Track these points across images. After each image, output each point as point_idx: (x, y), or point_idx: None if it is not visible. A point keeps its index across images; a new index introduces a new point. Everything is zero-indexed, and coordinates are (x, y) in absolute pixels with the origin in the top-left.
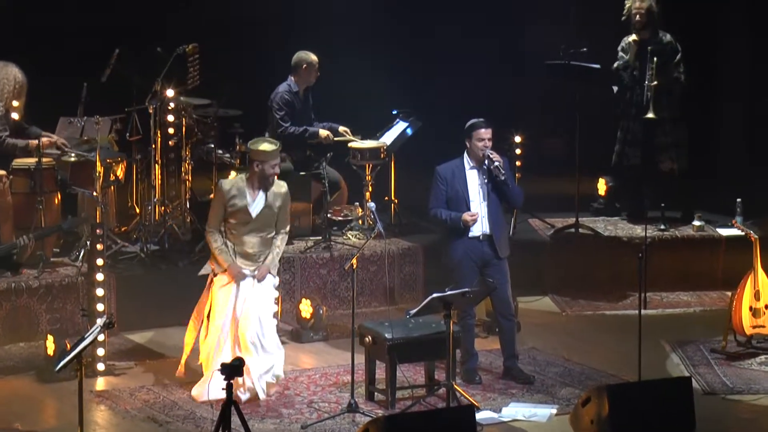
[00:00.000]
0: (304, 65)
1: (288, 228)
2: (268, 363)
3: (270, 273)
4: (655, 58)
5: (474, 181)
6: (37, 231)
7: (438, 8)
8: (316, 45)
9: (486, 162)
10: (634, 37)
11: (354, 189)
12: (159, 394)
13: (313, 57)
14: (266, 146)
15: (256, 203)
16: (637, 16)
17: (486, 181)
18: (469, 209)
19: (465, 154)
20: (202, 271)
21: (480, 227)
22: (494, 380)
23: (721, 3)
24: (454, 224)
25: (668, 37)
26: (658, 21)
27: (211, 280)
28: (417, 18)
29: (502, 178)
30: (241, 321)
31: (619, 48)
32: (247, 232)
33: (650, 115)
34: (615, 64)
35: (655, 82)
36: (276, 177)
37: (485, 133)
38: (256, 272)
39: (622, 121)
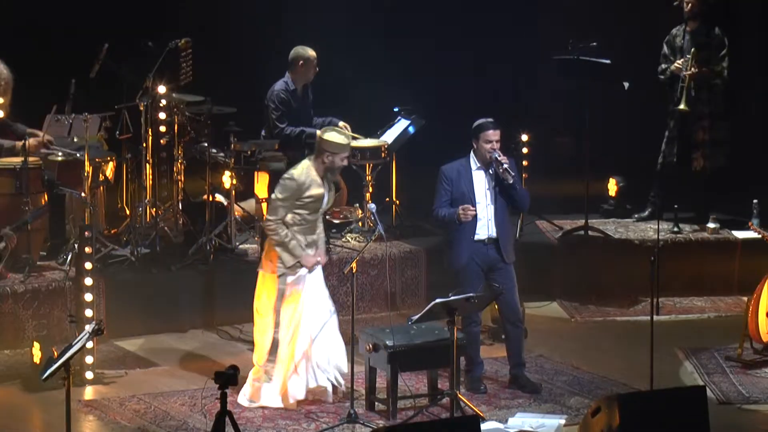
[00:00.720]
0: (301, 61)
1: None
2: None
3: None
4: (693, 49)
5: (481, 182)
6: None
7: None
8: (314, 38)
9: (494, 165)
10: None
11: (354, 190)
12: (150, 404)
13: (311, 52)
14: (340, 138)
15: (331, 188)
16: (689, 4)
17: (493, 183)
18: (475, 211)
19: (471, 154)
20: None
21: (486, 230)
22: (500, 389)
23: None
24: (451, 220)
25: (716, 30)
26: (705, 12)
27: (264, 278)
28: (420, 11)
29: (510, 181)
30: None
31: (666, 39)
32: (317, 220)
33: (682, 106)
34: (660, 68)
35: (691, 71)
36: None
37: (493, 134)
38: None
39: (668, 121)
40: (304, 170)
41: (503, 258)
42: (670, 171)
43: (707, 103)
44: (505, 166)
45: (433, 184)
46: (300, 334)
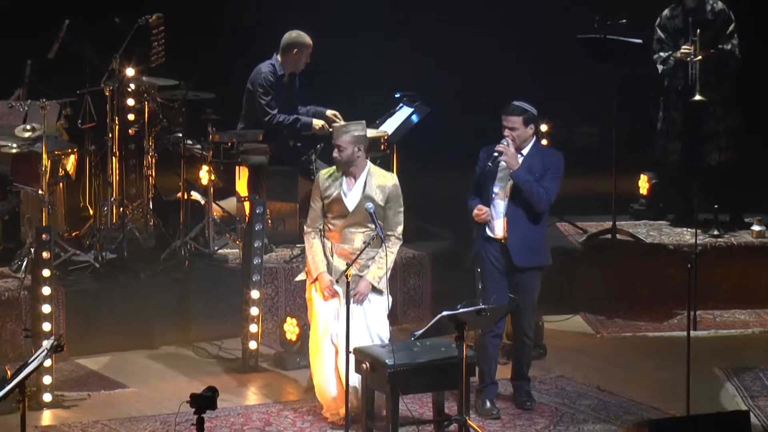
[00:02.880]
0: (295, 49)
1: (399, 231)
2: None
3: (375, 290)
4: (698, 30)
5: (504, 171)
6: None
7: None
8: (305, 18)
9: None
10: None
11: None
12: (116, 430)
13: (307, 40)
14: (337, 124)
15: (352, 193)
16: None
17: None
18: (490, 200)
19: None
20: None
21: (500, 227)
22: (516, 415)
23: None
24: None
25: (719, 4)
26: None
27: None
28: None
29: (512, 169)
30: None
31: (657, 24)
32: (344, 227)
33: (698, 97)
34: (655, 53)
35: (699, 57)
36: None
37: (506, 120)
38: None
39: (662, 112)
40: (334, 168)
41: (514, 262)
42: (675, 171)
43: (717, 88)
44: (495, 155)
45: (438, 181)
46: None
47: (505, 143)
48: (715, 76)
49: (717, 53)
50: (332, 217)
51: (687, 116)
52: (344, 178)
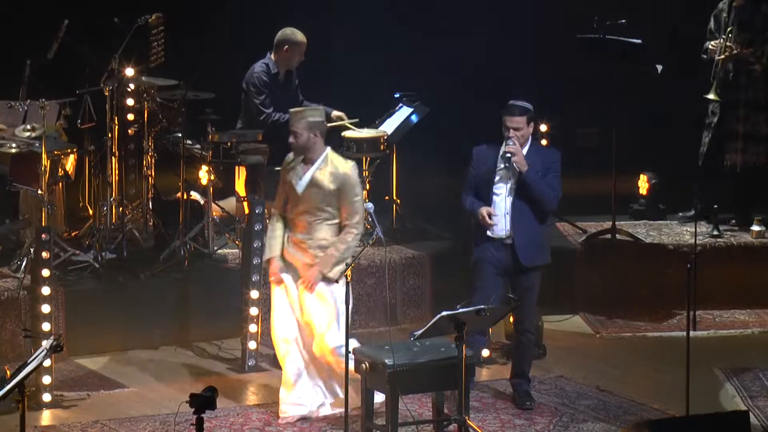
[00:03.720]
0: (286, 46)
1: (355, 221)
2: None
3: (326, 278)
4: (729, 29)
5: (505, 170)
6: None
7: None
8: (305, 17)
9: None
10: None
11: None
12: (116, 430)
13: (299, 37)
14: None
15: (303, 179)
16: None
17: (516, 173)
18: (491, 200)
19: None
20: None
21: (503, 226)
22: (516, 415)
23: None
24: (474, 216)
25: (764, 7)
26: None
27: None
28: None
29: (522, 170)
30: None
31: (713, 13)
32: (297, 214)
33: (711, 96)
34: (706, 47)
35: (725, 55)
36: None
37: (510, 120)
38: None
39: (708, 107)
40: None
41: (521, 262)
42: (711, 166)
43: (745, 90)
44: (508, 155)
45: (438, 181)
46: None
47: (512, 143)
48: (746, 77)
49: (746, 54)
50: (290, 204)
51: (721, 113)
52: (302, 164)
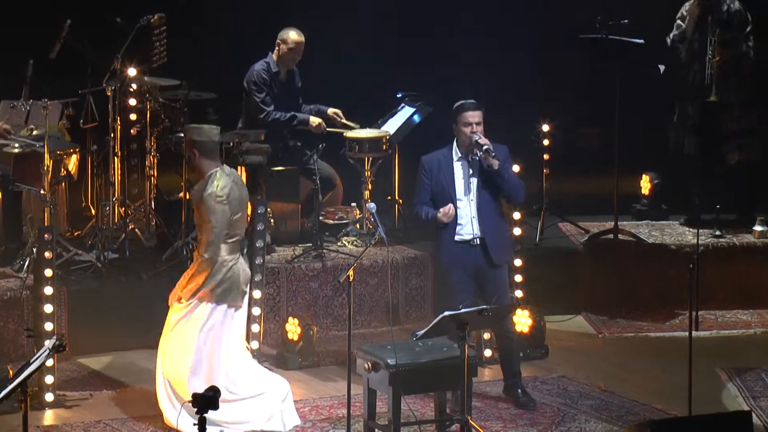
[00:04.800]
0: (284, 45)
1: (204, 246)
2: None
3: (179, 302)
4: (717, 30)
5: (462, 174)
6: None
7: None
8: (308, 17)
9: (476, 150)
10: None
11: (351, 187)
12: (118, 429)
13: (294, 36)
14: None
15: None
16: None
17: (476, 173)
18: (456, 207)
19: (454, 143)
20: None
21: (470, 229)
22: (518, 415)
23: None
24: (433, 223)
25: (736, 4)
26: None
27: None
28: None
29: (495, 167)
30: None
31: (678, 16)
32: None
33: (712, 98)
34: (670, 35)
35: (717, 58)
36: (191, 162)
37: (472, 116)
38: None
39: (676, 104)
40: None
41: (492, 260)
42: (691, 165)
43: (736, 89)
44: (486, 147)
45: None
46: None
47: (478, 137)
48: (735, 77)
49: (733, 55)
50: None
51: (704, 112)
52: None
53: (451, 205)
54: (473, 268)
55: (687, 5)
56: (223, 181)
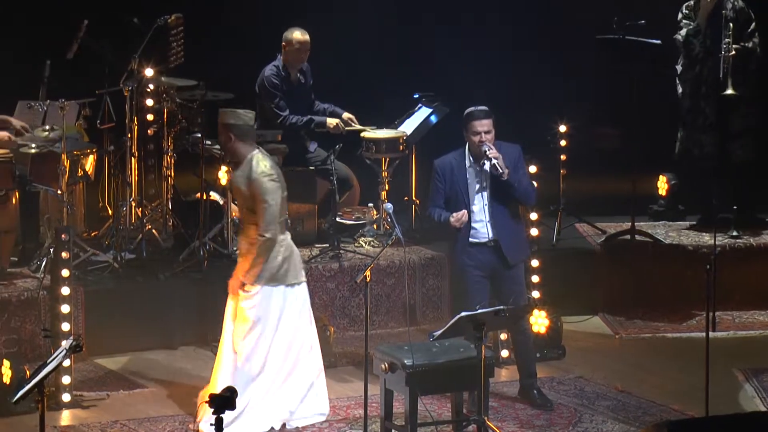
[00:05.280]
0: (289, 46)
1: (263, 226)
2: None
3: (243, 289)
4: (731, 24)
5: (475, 179)
6: None
7: None
8: (322, 18)
9: (484, 159)
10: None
11: (367, 187)
12: (135, 430)
13: (299, 36)
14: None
15: (232, 179)
16: None
17: (488, 177)
18: (469, 211)
19: (466, 146)
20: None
21: (485, 233)
22: (534, 416)
23: None
24: (446, 225)
25: (740, 2)
26: None
27: None
28: None
29: (505, 177)
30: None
31: (680, 15)
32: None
33: (729, 91)
34: (681, 32)
35: (732, 53)
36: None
37: (480, 125)
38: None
39: (689, 101)
40: None
41: (507, 261)
42: (711, 164)
43: (743, 86)
44: (494, 161)
45: None
46: None
47: (487, 147)
48: (741, 74)
49: (739, 51)
50: None
51: (720, 109)
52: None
53: (464, 212)
54: (489, 268)
55: (689, 3)
56: (268, 161)
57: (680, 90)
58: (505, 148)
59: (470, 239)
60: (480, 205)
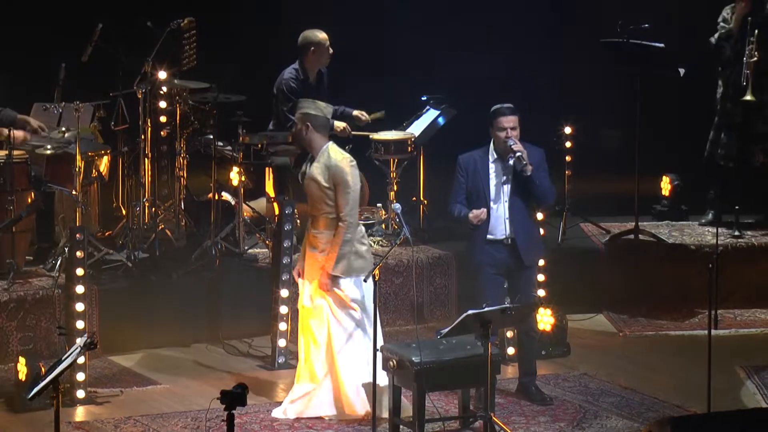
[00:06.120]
0: (312, 47)
1: (344, 214)
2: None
3: (334, 277)
4: (756, 31)
5: (497, 175)
6: None
7: None
8: (331, 14)
9: (509, 155)
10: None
11: (376, 188)
12: (148, 426)
13: (322, 35)
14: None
15: (306, 172)
16: None
17: (510, 176)
18: (488, 207)
19: (490, 144)
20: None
21: (502, 230)
22: (539, 412)
23: None
24: (465, 222)
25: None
26: None
27: None
28: None
29: (528, 173)
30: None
31: (720, 18)
32: (309, 209)
33: (748, 97)
34: (715, 35)
35: (755, 59)
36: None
37: (506, 121)
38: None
39: (719, 104)
40: None
41: (523, 261)
42: (731, 164)
43: (766, 90)
44: (519, 154)
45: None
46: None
47: (513, 143)
48: (766, 78)
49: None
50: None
51: (744, 113)
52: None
53: (483, 210)
54: (504, 267)
55: (729, 7)
56: (343, 151)
57: (718, 92)
58: (529, 149)
59: (488, 236)
60: (500, 201)
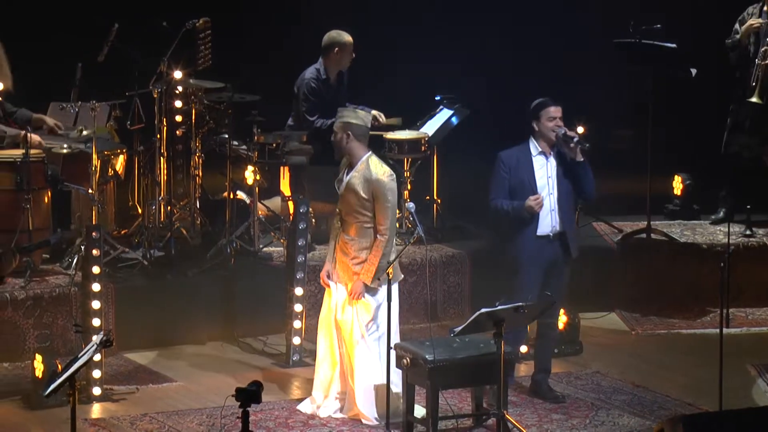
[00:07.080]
0: (336, 48)
1: (384, 228)
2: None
3: (367, 287)
4: None
5: (541, 168)
6: (20, 246)
7: None
8: (347, 19)
9: (561, 143)
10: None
11: None
12: (164, 423)
13: (347, 37)
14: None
15: (344, 181)
16: None
17: (555, 168)
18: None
19: (530, 139)
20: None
21: (549, 223)
22: (552, 410)
23: None
24: (518, 214)
25: None
26: None
27: None
28: None
29: (580, 158)
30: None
31: (739, 18)
32: (343, 214)
33: (754, 99)
34: (731, 37)
35: (767, 61)
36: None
37: (555, 110)
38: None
39: (734, 104)
40: None
41: (570, 253)
42: (744, 165)
43: None
44: (576, 139)
45: (478, 181)
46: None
47: (565, 130)
48: None
49: None
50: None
51: (754, 114)
52: (347, 166)
53: (540, 195)
54: (547, 263)
55: (751, 8)
56: (384, 164)
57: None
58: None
59: (537, 232)
60: (546, 193)
